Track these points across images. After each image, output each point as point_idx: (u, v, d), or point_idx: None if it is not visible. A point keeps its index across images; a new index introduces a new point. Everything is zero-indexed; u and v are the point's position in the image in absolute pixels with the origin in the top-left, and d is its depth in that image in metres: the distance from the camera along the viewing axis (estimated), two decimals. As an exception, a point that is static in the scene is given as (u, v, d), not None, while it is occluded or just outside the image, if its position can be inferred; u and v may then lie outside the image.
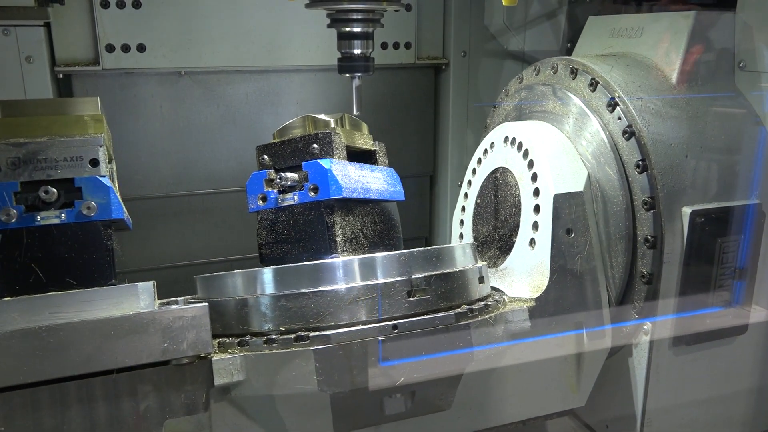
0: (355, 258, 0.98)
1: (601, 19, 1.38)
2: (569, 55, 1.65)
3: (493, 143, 1.28)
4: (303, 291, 0.95)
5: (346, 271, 0.97)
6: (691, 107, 1.15)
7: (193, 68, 1.85)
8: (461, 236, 1.40)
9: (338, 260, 0.98)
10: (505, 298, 1.14)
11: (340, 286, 0.96)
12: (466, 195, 1.38)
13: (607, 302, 1.16)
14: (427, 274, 1.00)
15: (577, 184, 1.14)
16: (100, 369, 0.85)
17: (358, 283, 0.96)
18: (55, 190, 0.90)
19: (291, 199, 1.08)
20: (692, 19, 1.15)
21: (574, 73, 1.23)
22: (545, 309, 1.10)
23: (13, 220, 0.88)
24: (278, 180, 1.07)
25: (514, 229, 1.22)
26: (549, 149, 1.16)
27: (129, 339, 0.85)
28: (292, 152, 1.09)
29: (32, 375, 0.82)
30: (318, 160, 1.06)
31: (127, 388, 0.87)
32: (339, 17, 1.15)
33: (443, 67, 2.11)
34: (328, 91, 2.00)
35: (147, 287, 0.91)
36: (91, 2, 1.72)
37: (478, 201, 1.34)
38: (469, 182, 1.37)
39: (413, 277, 0.98)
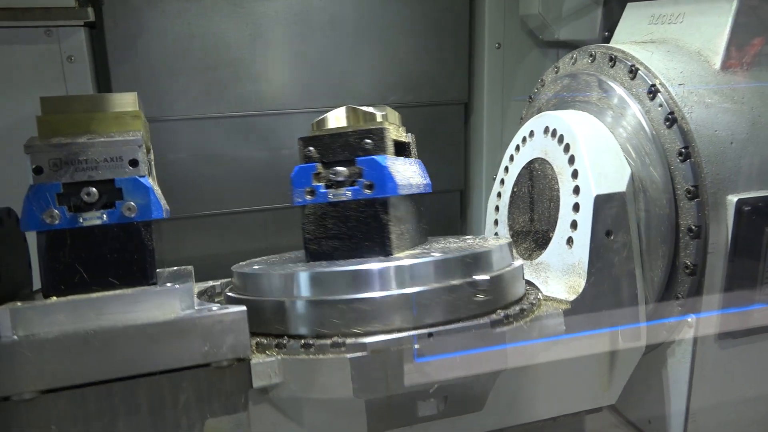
0: (392, 265, 0.98)
1: (639, 6, 1.35)
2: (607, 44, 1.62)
3: (532, 132, 1.26)
4: (340, 297, 0.96)
5: (383, 278, 0.97)
6: (736, 93, 1.11)
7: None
8: (496, 222, 1.39)
9: (376, 267, 0.97)
10: (540, 297, 1.13)
11: (377, 293, 0.96)
12: (502, 181, 1.36)
13: (643, 302, 1.14)
14: (462, 281, 0.99)
15: (619, 184, 1.11)
16: (144, 371, 0.87)
17: (394, 290, 0.96)
18: (96, 191, 0.90)
19: (343, 194, 1.05)
20: (736, 3, 1.11)
21: (612, 60, 1.20)
22: (580, 312, 1.08)
23: (57, 222, 0.89)
24: (329, 175, 1.05)
25: (551, 225, 1.20)
26: (591, 145, 1.13)
27: (171, 343, 0.88)
28: (342, 146, 1.06)
29: (78, 377, 0.85)
30: (374, 157, 1.04)
31: (169, 389, 0.90)
32: None
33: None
34: (360, 9, 1.97)
35: (187, 289, 0.93)
36: None
37: (515, 189, 1.32)
38: (506, 169, 1.35)
39: (450, 284, 0.98)
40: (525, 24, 2.05)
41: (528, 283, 1.17)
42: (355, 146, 1.06)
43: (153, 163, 1.08)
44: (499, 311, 1.01)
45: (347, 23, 1.97)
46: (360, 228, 1.07)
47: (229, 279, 1.23)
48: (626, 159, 1.14)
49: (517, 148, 1.31)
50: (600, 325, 1.11)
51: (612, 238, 1.10)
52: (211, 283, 1.26)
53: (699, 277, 1.10)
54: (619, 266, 1.11)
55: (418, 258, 0.99)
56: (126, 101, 1.01)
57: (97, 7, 1.70)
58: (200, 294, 1.19)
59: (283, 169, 1.99)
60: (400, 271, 0.98)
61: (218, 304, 0.96)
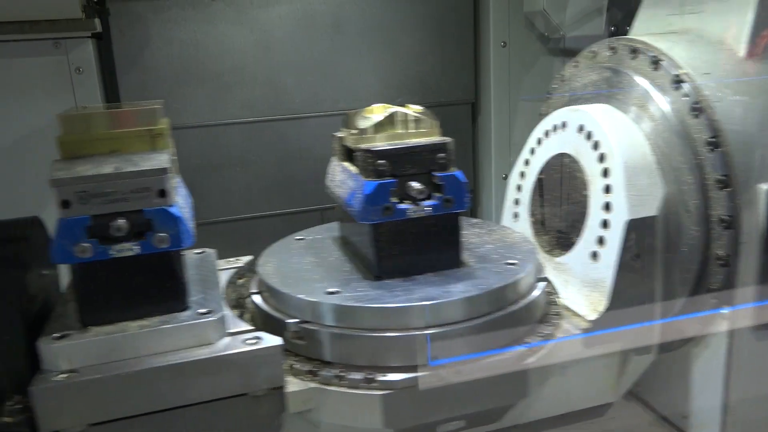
0: (427, 304, 0.99)
1: (658, -3, 1.34)
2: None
3: (556, 126, 1.25)
4: (372, 334, 0.98)
5: (417, 315, 0.99)
6: (763, 81, 1.10)
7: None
8: (516, 202, 1.39)
9: (414, 305, 0.99)
10: (560, 311, 1.15)
11: (409, 331, 0.98)
12: (527, 162, 1.36)
13: (659, 316, 1.15)
14: (491, 318, 1.02)
15: (652, 207, 1.11)
16: (183, 404, 0.91)
17: (424, 329, 0.98)
18: (126, 223, 0.89)
19: (423, 211, 1.05)
20: (759, -10, 1.11)
21: (634, 52, 1.18)
22: (599, 329, 1.11)
23: (89, 255, 0.88)
24: (411, 192, 1.04)
25: (576, 230, 1.20)
26: (627, 160, 1.11)
27: (209, 378, 0.91)
28: (416, 160, 1.05)
29: (122, 411, 0.89)
30: (455, 173, 1.05)
31: (206, 416, 0.93)
32: None
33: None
34: (363, 12, 1.97)
35: (220, 319, 0.95)
36: None
37: (542, 177, 1.31)
38: (532, 150, 1.35)
39: (478, 322, 1.01)
40: (530, 21, 2.04)
41: (546, 281, 1.18)
42: (428, 160, 1.05)
43: (176, 159, 1.08)
44: (522, 341, 1.05)
45: (351, 26, 1.96)
46: (435, 242, 1.08)
47: (251, 258, 1.26)
48: (661, 178, 1.13)
49: (546, 133, 1.30)
50: (615, 338, 1.13)
51: (639, 260, 1.11)
52: (234, 263, 1.28)
53: (732, 268, 1.09)
54: (642, 287, 1.13)
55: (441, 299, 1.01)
56: (149, 116, 0.99)
57: (103, 18, 1.69)
58: (228, 283, 1.20)
59: (293, 174, 2.00)
60: (430, 310, 0.99)
61: (252, 333, 0.97)
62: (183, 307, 0.96)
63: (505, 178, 2.16)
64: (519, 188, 1.38)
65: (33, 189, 1.64)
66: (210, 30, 1.84)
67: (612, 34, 1.83)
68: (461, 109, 2.16)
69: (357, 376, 0.97)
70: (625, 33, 1.65)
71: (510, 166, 2.14)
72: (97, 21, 1.62)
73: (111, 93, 1.76)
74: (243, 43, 1.88)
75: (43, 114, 1.60)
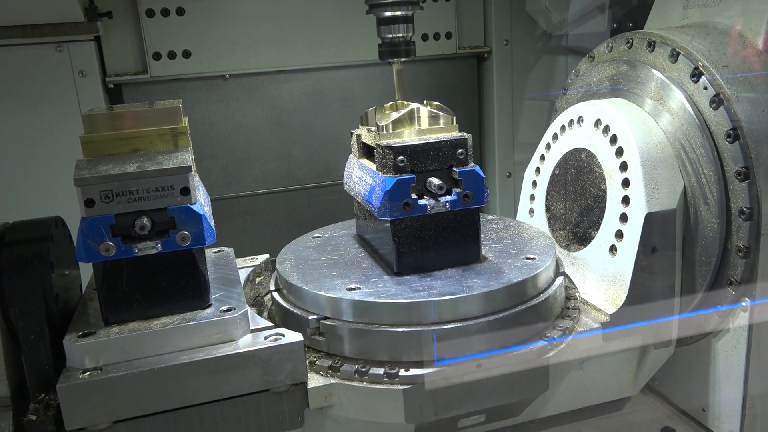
0: (447, 299, 0.99)
1: (672, -9, 1.34)
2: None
3: (572, 121, 1.25)
4: (393, 329, 0.98)
5: (437, 311, 0.98)
6: (781, 72, 1.10)
7: (237, 71, 1.85)
8: (532, 197, 1.39)
9: (432, 300, 0.98)
10: (579, 306, 1.15)
11: (429, 326, 0.97)
12: (543, 157, 1.35)
13: (677, 311, 1.16)
14: (511, 312, 1.02)
15: (671, 200, 1.11)
16: (206, 400, 0.91)
17: (445, 324, 0.98)
18: (149, 221, 0.88)
19: (443, 207, 1.05)
20: (777, -19, 1.11)
21: (651, 45, 1.18)
22: (618, 323, 1.11)
23: (113, 253, 0.87)
24: (431, 187, 1.04)
25: (594, 224, 1.19)
26: (646, 155, 1.12)
27: (232, 374, 0.91)
28: (435, 156, 1.05)
29: (147, 408, 0.89)
30: (474, 168, 1.05)
31: (231, 412, 0.93)
32: (377, 2, 1.12)
33: (485, 55, 2.09)
34: (372, 86, 1.99)
35: (243, 316, 0.94)
36: (137, 12, 1.72)
37: (557, 171, 1.31)
38: (548, 146, 1.34)
39: (498, 317, 1.00)
40: (532, 19, 2.04)
41: (566, 276, 1.18)
42: (447, 156, 1.05)
43: (193, 158, 1.07)
44: (543, 336, 1.05)
45: (359, 98, 1.98)
46: (454, 237, 1.08)
47: (268, 256, 1.27)
48: (680, 171, 1.13)
49: (563, 128, 1.30)
50: (635, 331, 1.13)
51: (658, 254, 1.11)
52: (251, 261, 1.28)
53: (753, 260, 1.09)
54: (661, 281, 1.13)
55: (458, 293, 1.00)
56: (170, 115, 0.98)
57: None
58: (245, 282, 1.20)
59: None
60: (451, 304, 0.99)
61: (274, 329, 0.96)
62: (205, 304, 0.95)
63: (509, 176, 2.16)
64: (534, 184, 1.37)
65: (42, 189, 1.64)
66: (223, 109, 1.87)
67: (614, 31, 1.84)
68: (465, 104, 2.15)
69: (378, 371, 0.96)
70: (628, 29, 1.66)
71: (513, 163, 2.16)
72: (99, 24, 1.62)
73: (115, 95, 1.75)
74: (255, 119, 1.91)
75: (48, 117, 1.59)
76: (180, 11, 1.75)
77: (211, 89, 1.85)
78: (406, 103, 1.14)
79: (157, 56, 1.75)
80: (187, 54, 1.78)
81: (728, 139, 1.07)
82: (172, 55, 1.77)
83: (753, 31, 1.12)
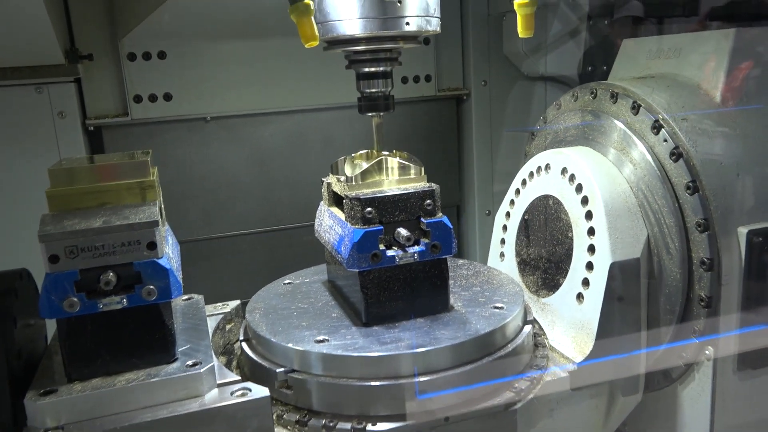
0: (415, 352, 0.99)
1: (636, 42, 1.38)
2: (591, 78, 1.65)
3: (540, 168, 1.27)
4: (360, 383, 0.98)
5: (405, 365, 0.99)
6: (739, 125, 1.13)
7: (218, 113, 1.87)
8: (503, 241, 1.41)
9: (401, 353, 0.99)
10: (548, 353, 1.16)
11: (397, 380, 0.98)
12: (512, 202, 1.38)
13: (644, 362, 1.18)
14: (479, 364, 1.02)
15: (635, 249, 1.13)
16: None
17: (411, 377, 0.98)
18: (114, 276, 0.88)
19: (411, 258, 1.05)
20: (733, 37, 1.14)
21: (614, 97, 1.22)
22: (586, 374, 1.12)
23: (77, 309, 0.87)
24: (399, 238, 1.05)
25: (561, 271, 1.21)
26: (610, 205, 1.14)
27: (198, 431, 0.90)
28: (403, 207, 1.06)
29: None
30: (442, 219, 1.06)
31: None
32: (357, 58, 1.15)
33: (464, 97, 2.12)
34: (353, 128, 2.01)
35: (210, 370, 0.94)
36: (119, 56, 1.74)
37: (526, 217, 1.33)
38: (517, 191, 1.37)
39: (466, 369, 1.01)
40: (509, 61, 2.08)
41: (536, 324, 1.19)
42: (416, 207, 1.07)
43: (163, 209, 1.08)
44: (511, 388, 1.05)
45: (340, 140, 2.01)
46: (423, 287, 1.09)
47: (239, 302, 1.27)
48: (644, 221, 1.16)
49: (531, 174, 1.32)
50: (603, 379, 1.15)
51: (623, 303, 1.13)
52: (221, 308, 1.28)
53: (714, 309, 1.11)
54: (627, 328, 1.14)
55: (426, 347, 1.00)
56: (138, 168, 0.99)
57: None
58: (215, 330, 1.20)
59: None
60: (418, 357, 0.99)
61: (241, 384, 0.96)
62: (171, 358, 0.95)
63: (489, 214, 2.18)
64: (505, 228, 1.39)
65: (18, 235, 1.64)
66: (204, 150, 1.88)
67: (588, 73, 1.88)
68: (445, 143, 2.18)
69: (346, 425, 0.96)
70: (602, 73, 1.70)
71: (493, 202, 2.19)
72: (80, 66, 1.63)
73: (94, 139, 1.76)
74: (236, 160, 1.92)
75: (27, 159, 1.60)
76: (161, 55, 1.78)
77: (193, 131, 1.87)
78: (375, 152, 1.16)
79: (138, 99, 1.77)
80: (168, 97, 1.80)
81: (688, 191, 1.10)
82: (153, 98, 1.79)
83: (711, 85, 1.16)
